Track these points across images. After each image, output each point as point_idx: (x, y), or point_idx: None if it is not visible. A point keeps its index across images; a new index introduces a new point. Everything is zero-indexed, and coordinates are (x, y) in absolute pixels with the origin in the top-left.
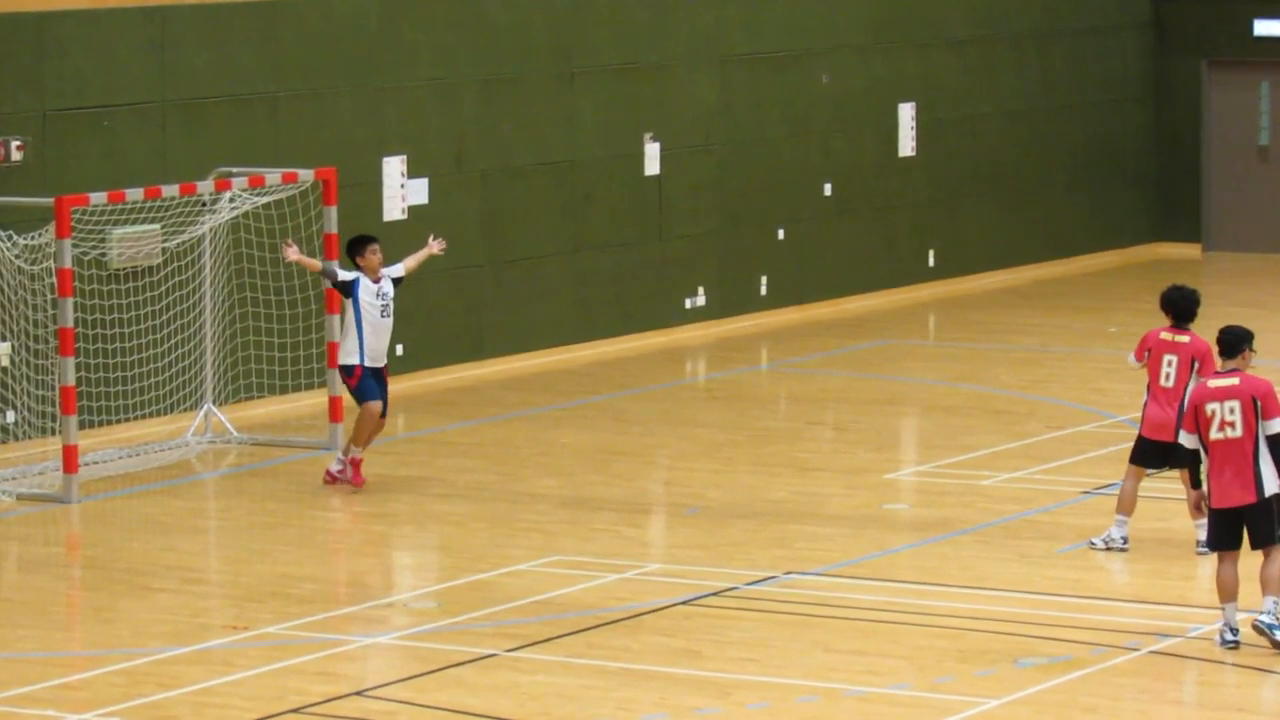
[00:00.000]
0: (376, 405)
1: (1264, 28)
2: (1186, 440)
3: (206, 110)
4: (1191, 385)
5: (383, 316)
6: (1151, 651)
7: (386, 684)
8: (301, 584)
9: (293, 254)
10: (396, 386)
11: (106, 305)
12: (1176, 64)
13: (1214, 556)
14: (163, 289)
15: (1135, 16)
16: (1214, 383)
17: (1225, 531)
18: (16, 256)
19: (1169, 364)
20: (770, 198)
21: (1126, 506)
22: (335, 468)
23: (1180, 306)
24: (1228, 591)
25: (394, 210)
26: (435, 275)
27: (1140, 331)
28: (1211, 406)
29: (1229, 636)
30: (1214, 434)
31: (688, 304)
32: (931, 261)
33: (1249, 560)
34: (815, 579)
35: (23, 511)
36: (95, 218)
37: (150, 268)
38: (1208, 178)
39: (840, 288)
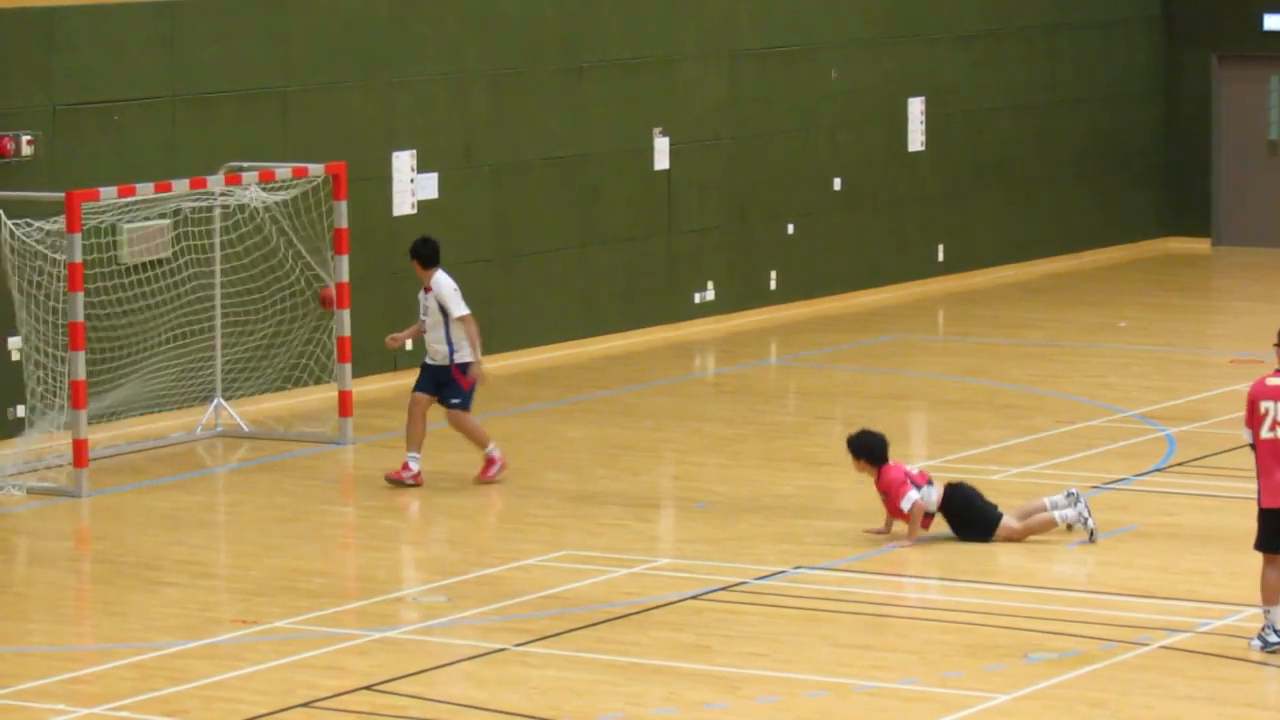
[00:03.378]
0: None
1: (1274, 22)
2: (1246, 435)
3: (216, 105)
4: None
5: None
6: (1161, 646)
7: (396, 678)
8: (311, 578)
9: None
10: (405, 380)
11: (116, 300)
12: (1186, 58)
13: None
14: (173, 283)
15: (1144, 10)
16: (1272, 381)
17: (1274, 533)
18: (39, 241)
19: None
20: (779, 192)
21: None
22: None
23: (875, 451)
24: (1273, 594)
25: (404, 205)
26: (445, 270)
27: (1148, 325)
28: (1266, 405)
29: (1272, 639)
30: (1265, 433)
31: (697, 298)
32: (940, 256)
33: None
34: (824, 574)
35: (33, 505)
36: (105, 212)
37: (160, 262)
38: (1217, 172)
39: (849, 282)
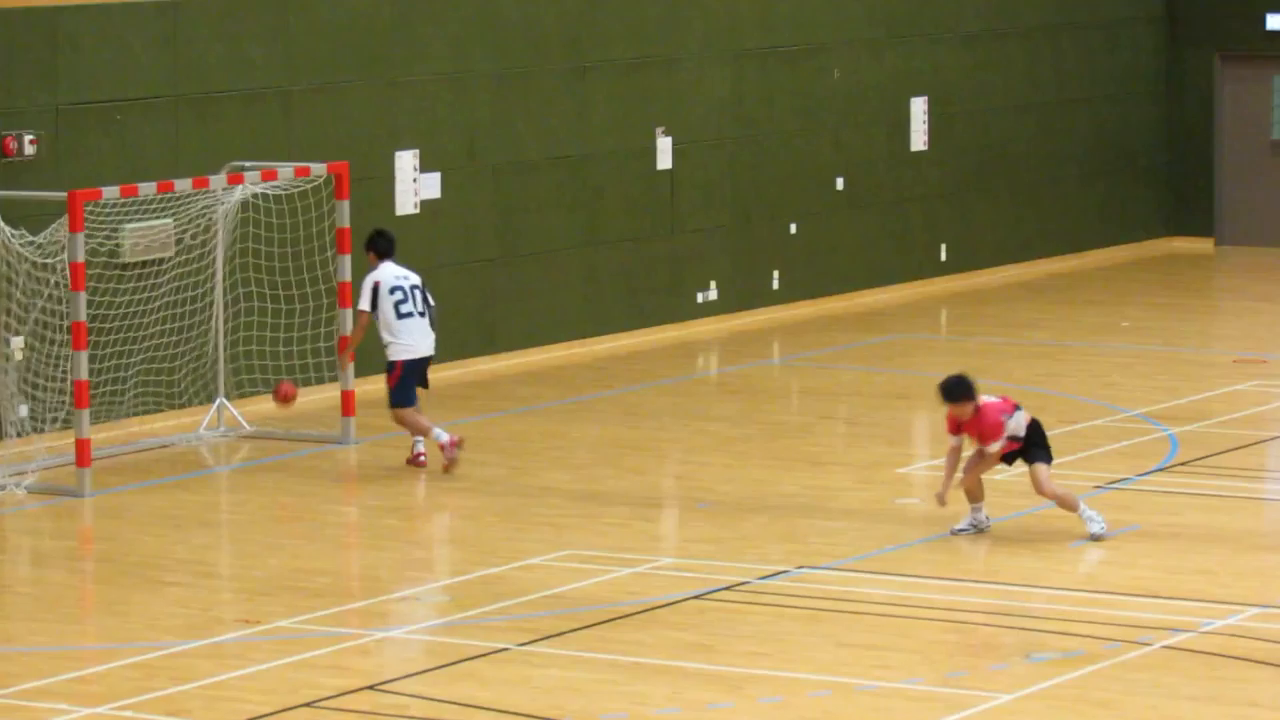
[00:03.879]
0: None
1: (1276, 21)
2: None
3: (219, 104)
4: None
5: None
6: (1164, 646)
7: (399, 678)
8: (314, 578)
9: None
10: None
11: (118, 300)
12: (1189, 57)
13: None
14: (175, 283)
15: (1147, 10)
16: None
17: None
18: (30, 250)
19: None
20: (782, 192)
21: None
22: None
23: (973, 387)
24: None
25: (406, 204)
26: (448, 270)
27: (1151, 324)
28: None
29: None
30: None
31: (700, 298)
32: (943, 255)
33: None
34: (827, 573)
35: (35, 505)
36: (108, 212)
37: (162, 262)
38: (1220, 171)
39: (852, 282)
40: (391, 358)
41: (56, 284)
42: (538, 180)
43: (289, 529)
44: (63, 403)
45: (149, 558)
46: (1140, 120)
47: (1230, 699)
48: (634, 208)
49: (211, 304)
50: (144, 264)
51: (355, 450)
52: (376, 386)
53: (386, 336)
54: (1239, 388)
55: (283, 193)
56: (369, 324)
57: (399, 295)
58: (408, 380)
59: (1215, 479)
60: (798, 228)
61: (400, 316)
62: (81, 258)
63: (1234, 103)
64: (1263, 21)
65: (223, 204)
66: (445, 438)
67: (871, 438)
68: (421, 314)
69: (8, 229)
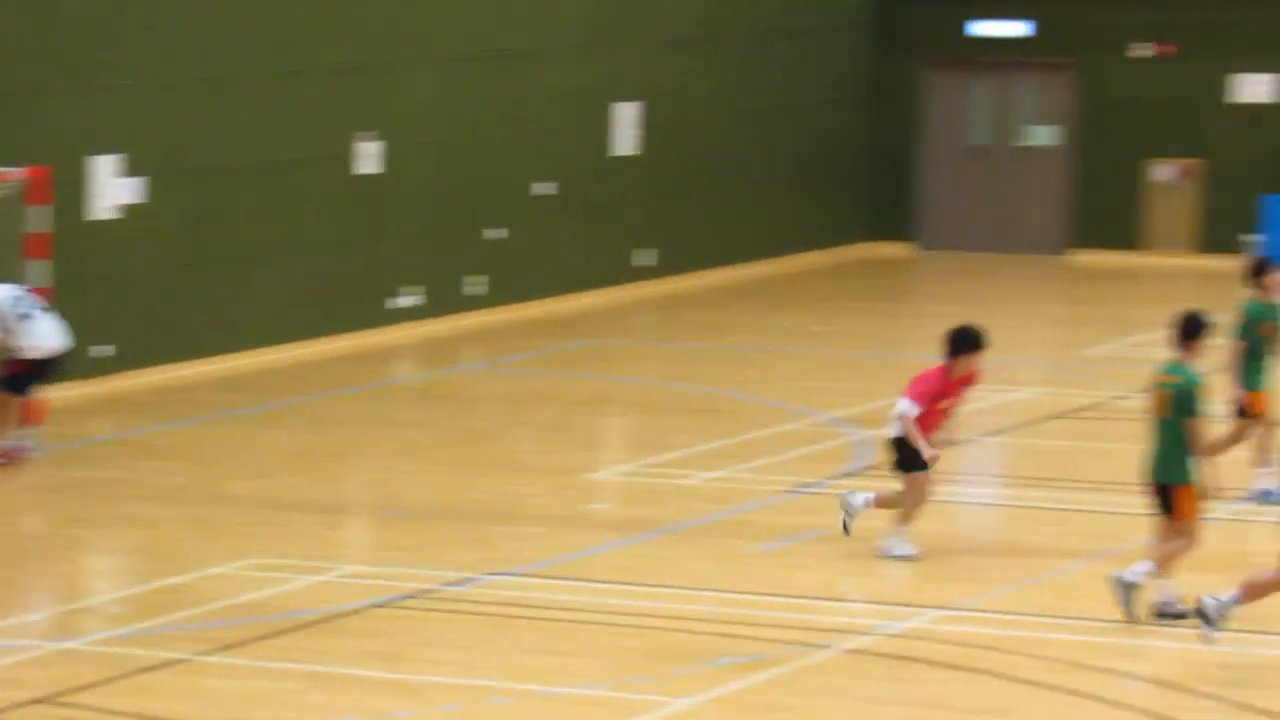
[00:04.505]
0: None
1: (977, 29)
2: None
3: None
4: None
5: None
6: (847, 650)
7: (74, 689)
8: None
9: None
10: (102, 388)
11: None
12: (894, 65)
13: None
14: None
15: (856, 17)
16: None
17: None
18: None
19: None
20: (488, 197)
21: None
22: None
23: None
24: None
25: (103, 209)
26: (144, 276)
27: (845, 329)
28: None
29: None
30: None
31: (400, 303)
32: (650, 260)
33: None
34: (515, 579)
35: None
36: None
37: None
38: (920, 177)
39: (558, 286)
40: (22, 356)
41: None
42: (240, 186)
43: None
44: None
45: None
46: (847, 126)
47: (912, 701)
48: (338, 213)
49: None
50: None
51: (40, 459)
52: (62, 394)
53: (20, 344)
54: None
55: None
56: None
57: (14, 303)
58: (32, 373)
59: None
60: (502, 233)
61: (21, 318)
62: None
63: (936, 109)
64: (963, 29)
65: None
66: (15, 450)
67: (566, 443)
68: (45, 309)
69: None
